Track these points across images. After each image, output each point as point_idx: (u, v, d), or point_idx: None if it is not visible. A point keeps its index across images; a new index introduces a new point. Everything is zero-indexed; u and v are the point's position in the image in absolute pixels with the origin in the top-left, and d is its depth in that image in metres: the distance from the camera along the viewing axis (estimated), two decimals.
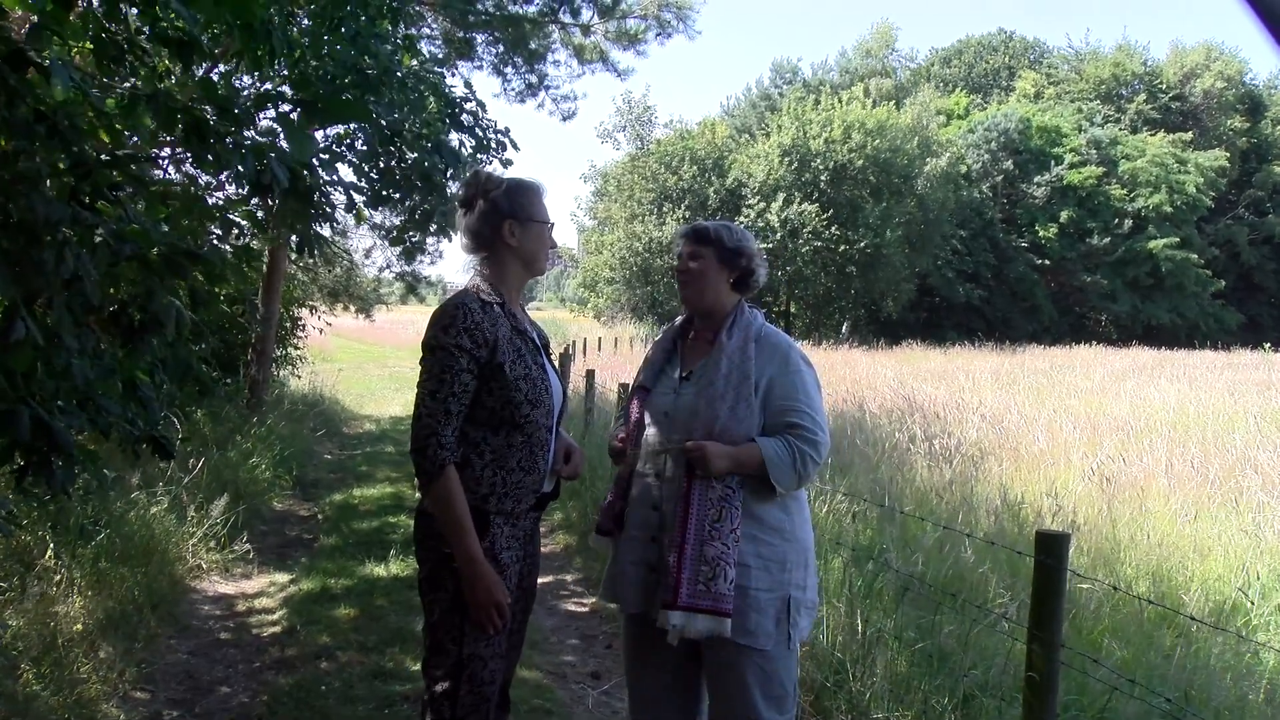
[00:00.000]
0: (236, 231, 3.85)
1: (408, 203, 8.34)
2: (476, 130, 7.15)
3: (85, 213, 2.35)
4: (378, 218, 11.25)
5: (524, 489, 2.57)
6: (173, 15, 2.46)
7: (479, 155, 7.22)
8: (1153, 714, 3.37)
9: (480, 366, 2.49)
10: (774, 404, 2.59)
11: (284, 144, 2.81)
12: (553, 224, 2.74)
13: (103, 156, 2.54)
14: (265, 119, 3.87)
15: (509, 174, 2.81)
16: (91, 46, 2.96)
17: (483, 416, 2.53)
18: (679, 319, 2.91)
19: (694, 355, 2.76)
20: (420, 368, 2.54)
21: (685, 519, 2.54)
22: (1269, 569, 5.36)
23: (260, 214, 4.16)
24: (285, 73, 4.45)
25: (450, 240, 11.73)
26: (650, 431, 2.70)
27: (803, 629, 2.66)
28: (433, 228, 9.20)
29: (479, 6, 11.97)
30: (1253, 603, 4.96)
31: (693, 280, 2.72)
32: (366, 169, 6.29)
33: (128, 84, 3.22)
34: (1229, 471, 7.76)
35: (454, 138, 7.10)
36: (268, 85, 4.46)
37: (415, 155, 6.39)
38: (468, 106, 7.13)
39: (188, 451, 6.83)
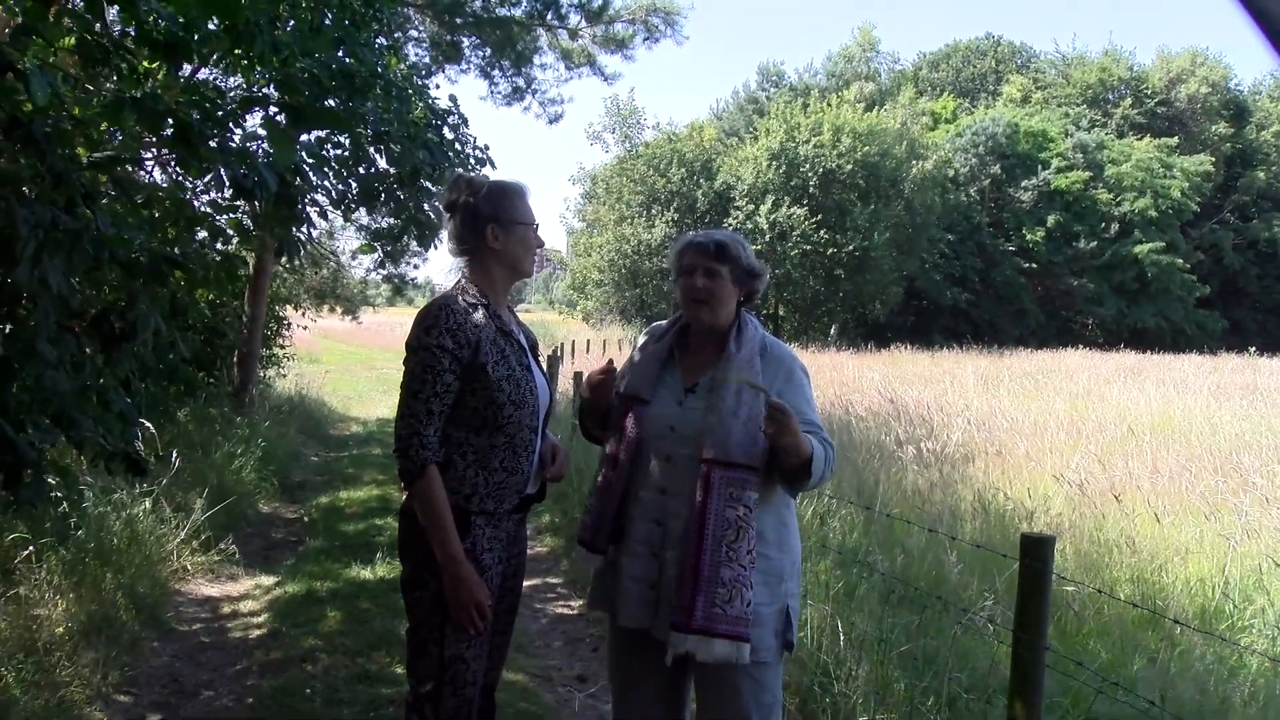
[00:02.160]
0: (222, 239, 3.84)
1: (393, 203, 8.34)
2: (457, 144, 7.17)
3: (65, 217, 2.34)
4: (364, 219, 11.24)
5: (507, 489, 2.58)
6: (154, 17, 2.45)
7: (457, 169, 7.25)
8: (1139, 718, 3.39)
9: (463, 367, 2.50)
10: None
11: (266, 147, 2.81)
12: (537, 225, 2.71)
13: (87, 159, 2.52)
14: (251, 123, 3.86)
15: (493, 176, 2.80)
16: (73, 44, 2.94)
17: (466, 417, 2.53)
18: (668, 326, 2.81)
19: (697, 367, 2.68)
20: (404, 368, 2.55)
21: (700, 538, 2.46)
22: (1250, 573, 5.40)
23: (246, 219, 4.15)
24: (271, 74, 4.44)
25: (432, 250, 11.73)
26: (656, 446, 2.62)
27: (793, 635, 2.64)
28: (413, 232, 9.21)
29: (467, 8, 11.97)
30: (1236, 606, 4.99)
31: (708, 300, 2.63)
32: (346, 174, 6.28)
33: (110, 85, 3.20)
34: (1211, 475, 7.80)
35: None
36: (255, 87, 4.44)
37: (402, 152, 6.37)
38: (450, 120, 7.16)
39: (171, 452, 6.78)
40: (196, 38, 3.08)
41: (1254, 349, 32.44)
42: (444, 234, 2.73)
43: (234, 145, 2.85)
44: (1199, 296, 43.82)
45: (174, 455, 6.56)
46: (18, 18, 2.28)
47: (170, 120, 2.57)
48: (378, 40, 6.26)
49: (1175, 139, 45.75)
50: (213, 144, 2.81)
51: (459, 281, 2.68)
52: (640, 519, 2.62)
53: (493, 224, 2.61)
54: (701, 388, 2.62)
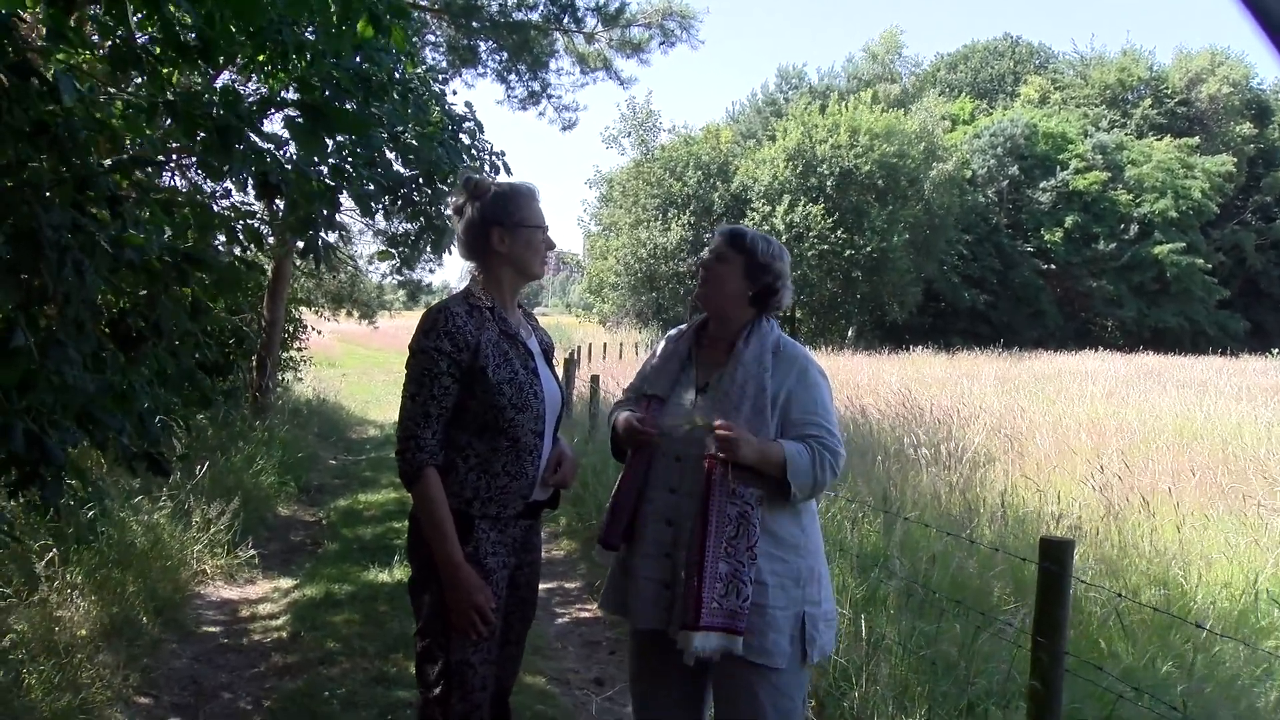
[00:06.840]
0: (238, 244, 3.84)
1: (409, 208, 8.35)
2: (473, 149, 7.17)
3: (85, 219, 2.36)
4: (381, 223, 11.26)
5: (510, 494, 2.55)
6: (185, 19, 2.47)
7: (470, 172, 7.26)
8: None
9: (461, 370, 2.49)
10: (793, 417, 2.54)
11: (292, 149, 2.82)
12: (545, 227, 2.68)
13: (106, 163, 2.54)
14: (271, 124, 3.87)
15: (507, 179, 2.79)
16: (97, 51, 2.96)
17: (467, 420, 2.53)
18: (689, 326, 2.83)
19: (710, 365, 2.69)
20: (405, 371, 2.56)
21: (703, 535, 2.47)
22: (1276, 577, 5.33)
23: (264, 225, 4.15)
24: (292, 75, 4.46)
25: (446, 255, 11.74)
26: (667, 444, 2.62)
27: (825, 642, 2.61)
28: (428, 238, 9.21)
29: (484, 12, 12.00)
30: (1272, 615, 4.92)
31: (711, 280, 2.67)
32: (363, 176, 6.28)
33: (140, 91, 3.23)
34: (1236, 479, 7.71)
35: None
36: (282, 92, 4.46)
37: (418, 151, 6.34)
38: (465, 125, 7.16)
39: (191, 456, 6.83)
40: (223, 40, 3.09)
41: (1276, 350, 32.12)
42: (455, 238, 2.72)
43: (257, 144, 2.85)
44: (1220, 298, 43.45)
45: (197, 460, 6.60)
46: (43, 24, 2.31)
47: (207, 125, 2.58)
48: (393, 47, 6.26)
49: (1196, 139, 45.42)
50: (239, 146, 2.81)
51: (468, 285, 2.68)
52: (652, 519, 2.62)
53: (497, 227, 2.60)
54: (711, 386, 2.63)
